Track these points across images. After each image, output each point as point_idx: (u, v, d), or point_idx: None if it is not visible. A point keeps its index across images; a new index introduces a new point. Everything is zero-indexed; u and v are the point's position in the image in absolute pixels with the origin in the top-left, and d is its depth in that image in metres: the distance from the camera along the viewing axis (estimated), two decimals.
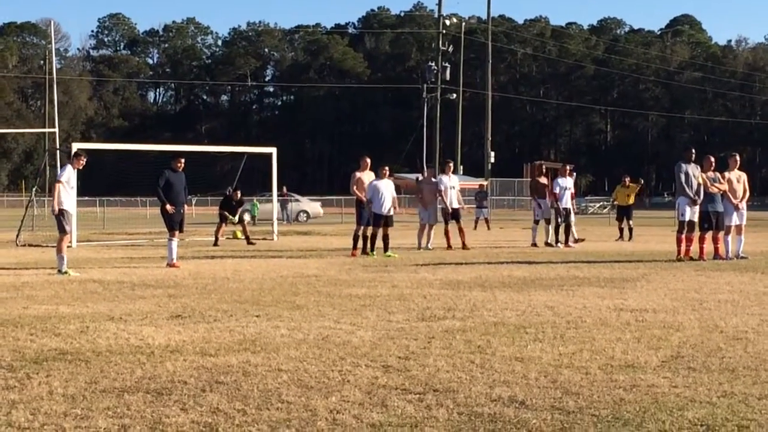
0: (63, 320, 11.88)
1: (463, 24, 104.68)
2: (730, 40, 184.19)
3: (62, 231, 19.60)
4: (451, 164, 29.02)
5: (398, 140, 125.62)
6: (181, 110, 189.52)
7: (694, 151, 23.20)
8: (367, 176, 25.30)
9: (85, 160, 20.38)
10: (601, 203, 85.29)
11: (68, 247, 20.43)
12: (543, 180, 29.28)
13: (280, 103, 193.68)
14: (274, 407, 7.20)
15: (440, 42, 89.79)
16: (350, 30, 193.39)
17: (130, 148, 40.27)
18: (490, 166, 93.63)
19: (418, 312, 12.63)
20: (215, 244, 31.20)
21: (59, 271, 18.98)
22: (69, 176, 19.97)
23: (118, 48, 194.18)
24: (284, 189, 58.98)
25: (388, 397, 7.52)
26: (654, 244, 29.99)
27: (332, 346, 9.92)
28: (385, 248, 24.47)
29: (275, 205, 37.76)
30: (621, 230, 33.98)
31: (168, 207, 21.69)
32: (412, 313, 12.49)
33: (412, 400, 7.42)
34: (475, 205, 49.75)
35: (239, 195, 34.16)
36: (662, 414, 6.94)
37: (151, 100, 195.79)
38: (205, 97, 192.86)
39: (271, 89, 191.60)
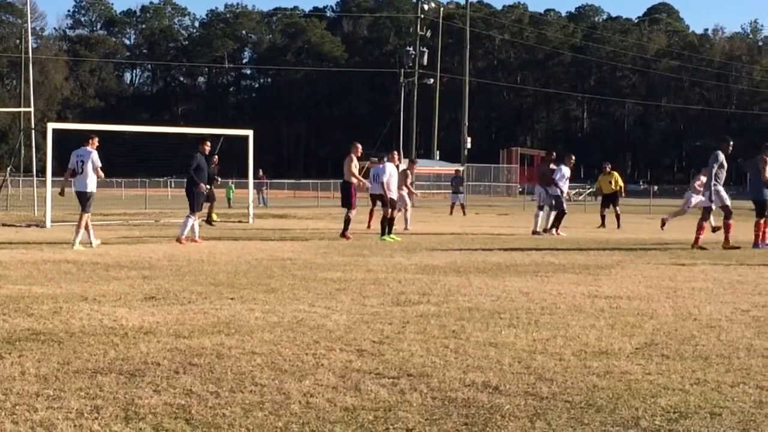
0: (36, 300, 11.83)
1: (442, 9, 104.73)
2: (707, 29, 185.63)
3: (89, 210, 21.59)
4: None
5: (375, 124, 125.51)
6: (158, 91, 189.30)
7: (732, 143, 23.07)
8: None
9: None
10: (577, 190, 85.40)
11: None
12: (553, 167, 29.26)
13: (257, 85, 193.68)
14: (248, 390, 7.18)
15: (418, 27, 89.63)
16: (328, 13, 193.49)
17: (106, 129, 39.96)
18: (466, 152, 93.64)
19: (392, 296, 12.63)
20: (210, 223, 31.28)
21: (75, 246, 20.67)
22: None
23: (94, 28, 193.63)
24: (260, 172, 58.95)
25: (362, 381, 7.51)
26: (630, 232, 30.07)
27: (306, 329, 9.91)
28: (389, 231, 24.76)
29: (251, 188, 37.65)
30: (603, 218, 33.90)
31: (201, 186, 22.88)
32: (386, 298, 12.48)
33: (386, 384, 7.42)
34: (451, 191, 50.02)
35: (216, 160, 33.53)
36: (635, 401, 6.95)
37: (128, 81, 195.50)
38: (181, 79, 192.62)
39: (249, 72, 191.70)
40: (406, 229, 27.53)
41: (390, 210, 24.81)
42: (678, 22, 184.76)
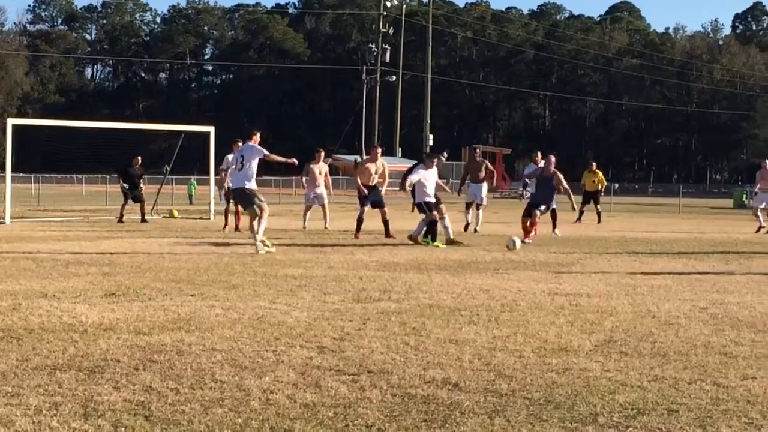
0: None
1: (404, 6, 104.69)
2: (668, 28, 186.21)
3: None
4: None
5: (338, 121, 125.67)
6: (119, 87, 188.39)
7: None
8: (373, 166, 25.00)
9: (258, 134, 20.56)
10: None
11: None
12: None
13: (219, 82, 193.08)
14: (208, 387, 7.18)
15: (381, 24, 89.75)
16: (290, 10, 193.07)
17: (66, 125, 39.76)
18: (428, 149, 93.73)
19: (353, 293, 12.65)
20: (120, 220, 30.75)
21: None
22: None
23: (55, 23, 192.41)
24: None
25: (322, 377, 7.52)
26: (592, 230, 30.17)
27: (267, 326, 9.91)
28: (433, 236, 22.52)
29: (212, 185, 37.52)
30: (581, 213, 34.22)
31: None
32: (347, 295, 12.50)
33: (346, 381, 7.43)
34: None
35: (140, 161, 32.63)
36: (593, 397, 6.99)
37: (89, 77, 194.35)
38: (143, 75, 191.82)
39: (210, 68, 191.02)
40: (325, 228, 27.22)
41: (432, 214, 22.57)
42: (639, 20, 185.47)
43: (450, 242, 22.17)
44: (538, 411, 6.63)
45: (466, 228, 26.94)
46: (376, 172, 24.80)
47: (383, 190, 25.11)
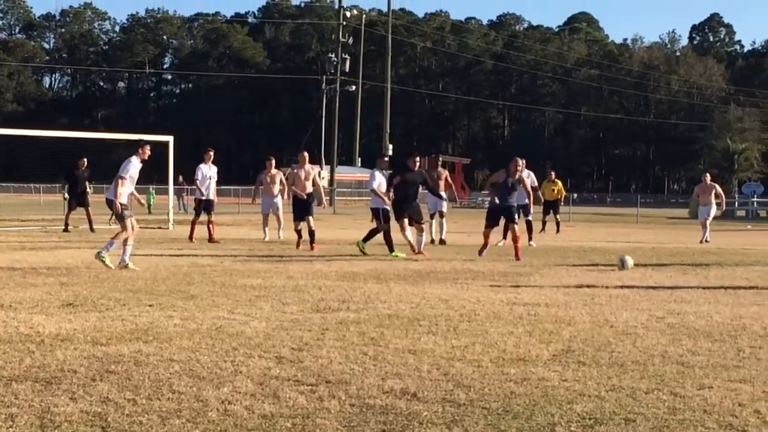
0: None
1: (364, 16, 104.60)
2: (626, 39, 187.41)
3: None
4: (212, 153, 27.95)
5: (297, 131, 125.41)
6: (78, 96, 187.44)
7: None
8: (303, 172, 24.75)
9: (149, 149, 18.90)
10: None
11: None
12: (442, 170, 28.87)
13: (178, 91, 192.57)
14: (165, 397, 7.15)
15: (340, 33, 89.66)
16: (250, 19, 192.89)
17: (24, 134, 39.47)
18: (388, 159, 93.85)
19: (312, 303, 12.63)
20: (65, 230, 30.65)
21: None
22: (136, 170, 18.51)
23: (13, 32, 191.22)
24: (180, 178, 58.61)
25: (281, 388, 7.51)
26: (548, 240, 30.25)
27: (225, 336, 9.88)
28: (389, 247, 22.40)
29: (171, 195, 37.36)
30: (544, 224, 34.50)
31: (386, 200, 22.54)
32: (306, 305, 12.48)
33: (305, 391, 7.42)
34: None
35: (86, 163, 32.40)
36: (551, 407, 7.01)
37: (47, 86, 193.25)
38: (102, 84, 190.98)
39: (170, 77, 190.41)
40: (279, 237, 27.19)
41: (379, 223, 22.70)
42: (598, 31, 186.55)
43: (413, 249, 22.33)
44: (496, 421, 6.65)
45: (432, 241, 26.46)
46: (306, 179, 24.66)
47: (323, 195, 24.90)
